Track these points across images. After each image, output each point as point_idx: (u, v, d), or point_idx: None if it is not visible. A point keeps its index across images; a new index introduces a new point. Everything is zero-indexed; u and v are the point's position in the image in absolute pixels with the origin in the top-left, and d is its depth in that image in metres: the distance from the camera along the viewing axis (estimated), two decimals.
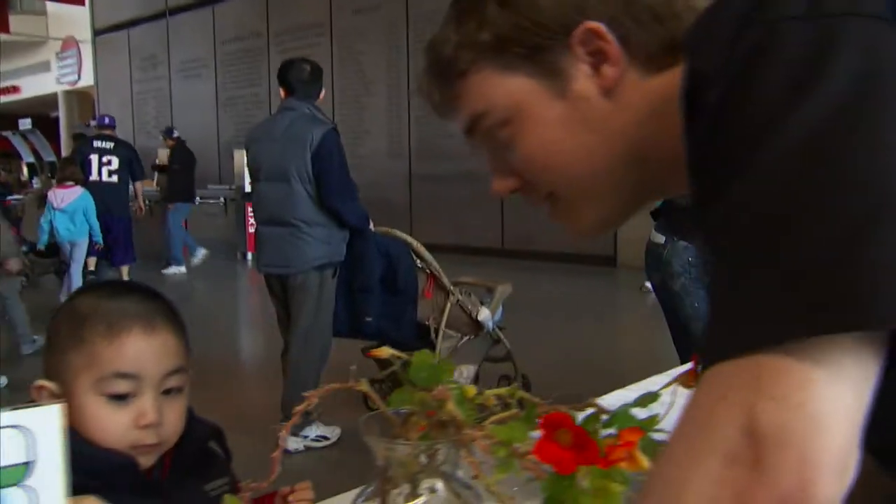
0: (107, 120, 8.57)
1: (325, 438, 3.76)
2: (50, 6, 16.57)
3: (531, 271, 8.45)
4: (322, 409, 3.81)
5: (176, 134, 9.83)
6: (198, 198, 11.84)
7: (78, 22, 16.50)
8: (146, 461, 0.98)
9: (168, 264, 9.47)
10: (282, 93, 3.80)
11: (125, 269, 8.29)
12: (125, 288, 1.08)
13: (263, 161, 3.68)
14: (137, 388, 0.97)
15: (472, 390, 0.77)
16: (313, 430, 3.75)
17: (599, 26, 0.69)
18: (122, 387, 0.96)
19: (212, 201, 11.95)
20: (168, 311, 1.05)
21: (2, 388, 4.91)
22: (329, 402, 0.82)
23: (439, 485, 0.77)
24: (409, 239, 4.01)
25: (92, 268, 7.77)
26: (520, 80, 0.72)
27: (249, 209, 10.85)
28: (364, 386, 0.81)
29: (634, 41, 0.70)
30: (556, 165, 0.74)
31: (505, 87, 0.73)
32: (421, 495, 0.77)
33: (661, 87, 0.69)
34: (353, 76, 11.60)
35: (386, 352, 0.75)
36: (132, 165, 8.21)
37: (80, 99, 18.17)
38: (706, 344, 0.50)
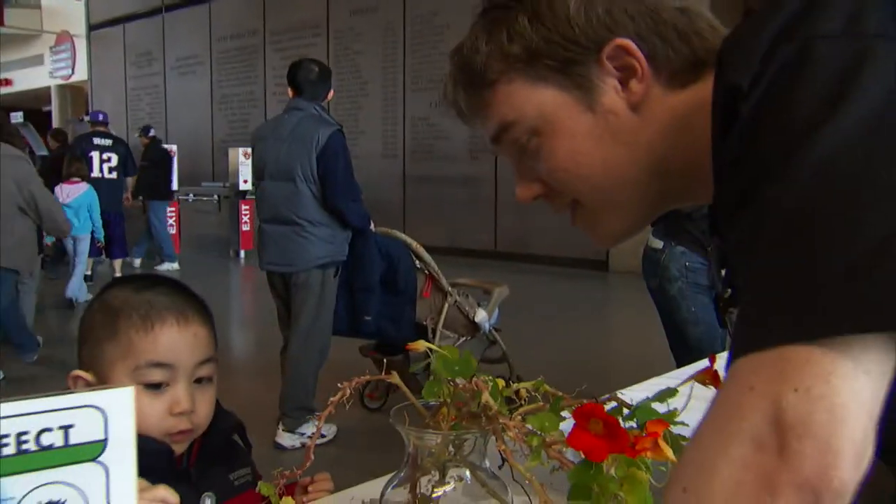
0: (100, 116, 8.67)
1: (322, 436, 3.79)
2: (45, 0, 16.53)
3: (524, 273, 8.50)
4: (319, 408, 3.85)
5: (152, 133, 9.90)
6: (191, 195, 11.86)
7: (73, 16, 16.46)
8: (179, 448, 1.01)
9: (161, 261, 9.48)
10: (290, 92, 3.83)
11: (118, 264, 8.36)
12: (154, 281, 1.11)
13: (269, 160, 3.71)
14: (171, 378, 1.01)
15: (501, 383, 0.81)
16: (310, 428, 3.78)
17: (629, 43, 0.73)
18: (157, 376, 1.00)
19: (205, 198, 11.95)
20: (198, 303, 1.09)
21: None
22: (324, 401, 0.86)
23: (466, 473, 0.81)
24: (409, 240, 4.05)
25: (89, 271, 7.86)
26: (550, 91, 0.75)
27: (243, 207, 10.89)
28: (395, 378, 0.85)
29: (661, 58, 0.74)
30: (584, 175, 0.77)
31: (535, 99, 0.76)
32: (448, 483, 0.81)
33: (684, 103, 0.73)
34: (350, 76, 11.62)
35: (422, 345, 0.79)
36: (127, 162, 8.39)
37: (74, 94, 18.10)
38: (736, 338, 0.54)
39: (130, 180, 8.89)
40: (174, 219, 10.41)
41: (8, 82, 19.38)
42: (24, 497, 0.55)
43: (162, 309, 1.03)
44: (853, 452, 0.47)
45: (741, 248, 0.57)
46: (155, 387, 1.00)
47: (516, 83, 0.77)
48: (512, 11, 0.76)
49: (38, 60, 18.31)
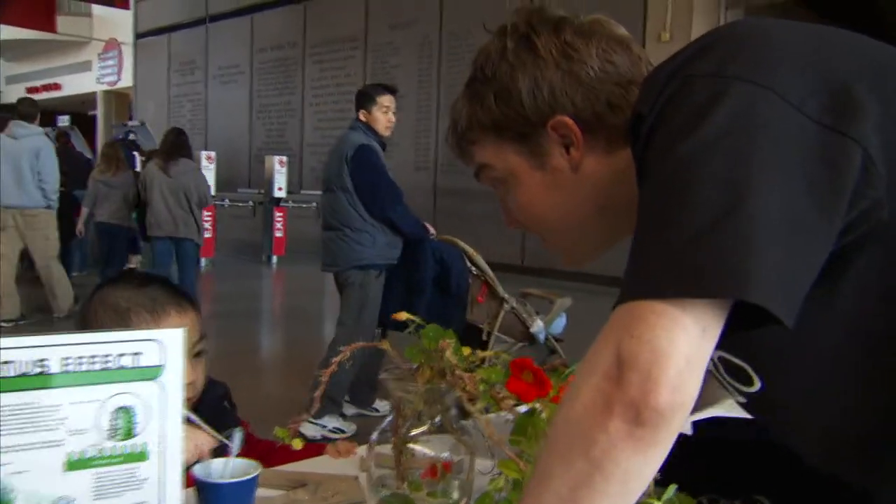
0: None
1: (342, 431, 4.01)
2: (95, 8, 17.09)
3: (551, 289, 8.63)
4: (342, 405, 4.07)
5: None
6: (227, 200, 12.21)
7: (121, 24, 17.00)
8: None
9: None
10: None
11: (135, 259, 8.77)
12: (145, 278, 1.35)
13: (323, 172, 4.19)
14: None
15: (467, 350, 1.02)
16: (332, 421, 4.00)
17: (567, 119, 0.93)
18: None
19: (241, 204, 12.29)
20: (184, 293, 1.35)
21: None
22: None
23: (438, 418, 1.02)
24: (466, 247, 4.33)
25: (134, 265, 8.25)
26: (511, 153, 0.97)
27: (277, 214, 11.21)
28: (386, 345, 1.07)
29: (596, 129, 0.93)
30: (539, 217, 1.00)
31: (500, 157, 0.98)
32: (425, 426, 1.02)
33: (622, 161, 0.92)
34: None
35: (403, 315, 1.00)
36: None
37: (118, 99, 18.67)
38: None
39: None
40: (210, 222, 10.76)
41: (57, 87, 20.05)
42: (107, 399, 0.78)
43: (164, 303, 1.28)
44: (669, 384, 0.65)
45: None
46: None
47: (487, 144, 0.98)
48: (485, 87, 0.97)
49: (86, 66, 18.93)
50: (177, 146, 6.55)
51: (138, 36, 16.81)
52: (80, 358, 0.76)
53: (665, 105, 0.77)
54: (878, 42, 0.82)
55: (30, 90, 20.82)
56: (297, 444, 1.11)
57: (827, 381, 0.82)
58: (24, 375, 0.73)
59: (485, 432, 0.91)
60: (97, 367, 0.77)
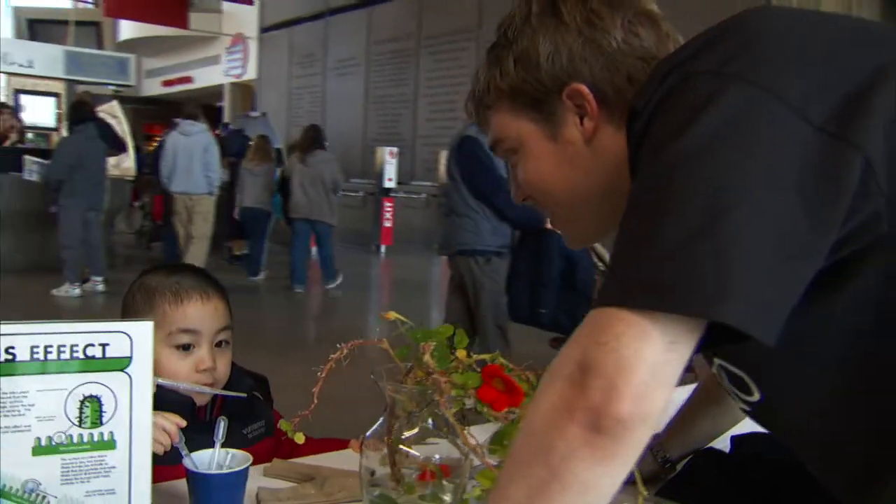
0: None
1: None
2: (224, 4, 17.88)
3: None
4: None
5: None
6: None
7: (247, 19, 17.70)
8: (201, 400, 1.28)
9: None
10: None
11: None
12: (182, 267, 1.42)
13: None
14: (197, 341, 1.29)
15: (462, 353, 1.00)
16: None
17: (583, 87, 0.89)
18: (185, 339, 1.28)
19: (352, 194, 12.57)
20: (216, 284, 1.38)
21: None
22: None
23: (430, 420, 1.00)
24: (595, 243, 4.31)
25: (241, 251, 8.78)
26: (525, 121, 0.94)
27: (386, 204, 11.41)
28: (385, 344, 1.05)
29: (612, 101, 0.90)
30: (548, 191, 0.97)
31: (515, 125, 0.95)
32: (416, 427, 1.01)
33: None
34: None
35: (392, 315, 0.99)
36: None
37: (243, 91, 19.49)
38: None
39: None
40: None
41: (189, 79, 21.13)
42: (74, 388, 0.80)
43: (188, 287, 1.32)
44: (631, 393, 0.62)
45: None
46: (184, 349, 1.27)
47: (503, 111, 0.96)
48: (506, 51, 0.95)
49: (215, 60, 19.84)
50: (313, 139, 7.80)
51: (263, 30, 17.47)
52: (49, 347, 0.78)
53: (661, 102, 0.73)
54: None
55: (165, 83, 22.10)
56: (300, 439, 1.11)
57: (825, 393, 0.77)
58: None
59: (462, 438, 0.88)
60: (65, 356, 0.79)
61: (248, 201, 8.48)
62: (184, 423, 1.03)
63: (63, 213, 7.07)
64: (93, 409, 0.81)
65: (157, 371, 1.24)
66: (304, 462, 1.28)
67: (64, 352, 0.79)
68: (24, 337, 0.77)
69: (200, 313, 1.30)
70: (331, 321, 7.59)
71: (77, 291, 7.21)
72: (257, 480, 1.21)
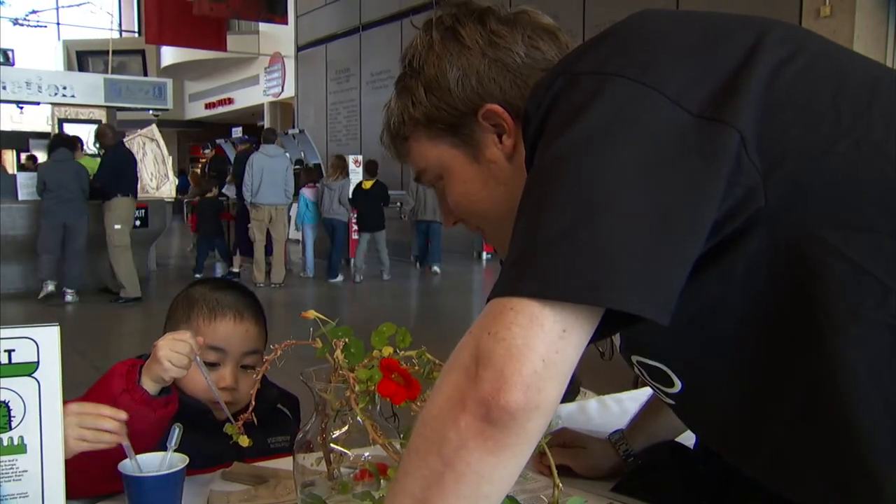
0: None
1: None
2: (261, 25, 18.21)
3: None
4: None
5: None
6: None
7: (284, 39, 18.01)
8: (219, 415, 1.29)
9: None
10: None
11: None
12: (228, 284, 1.45)
13: None
14: (223, 360, 1.32)
15: (388, 349, 0.99)
16: None
17: (496, 107, 0.92)
18: (212, 356, 1.31)
19: (393, 206, 12.64)
20: (255, 306, 1.39)
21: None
22: None
23: (359, 418, 1.00)
24: None
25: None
26: (445, 148, 0.96)
27: None
28: (319, 344, 1.05)
29: None
30: (477, 210, 0.99)
31: (434, 153, 0.97)
32: (347, 424, 1.00)
33: None
34: None
35: (312, 314, 0.99)
36: None
37: (283, 109, 19.79)
38: None
39: None
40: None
41: (230, 101, 21.56)
42: None
43: (224, 306, 1.35)
44: (522, 383, 0.62)
45: None
46: (211, 365, 1.29)
47: (421, 140, 0.98)
48: (414, 80, 0.96)
49: (254, 80, 20.21)
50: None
51: (299, 48, 17.73)
52: None
53: (551, 104, 0.74)
54: (783, 23, 0.78)
55: (208, 106, 22.57)
56: (244, 441, 1.12)
57: (734, 373, 0.77)
58: None
59: (370, 434, 0.88)
60: None
61: (327, 213, 9.82)
62: (125, 416, 1.03)
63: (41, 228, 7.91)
64: (1, 414, 0.83)
65: (183, 383, 1.27)
66: (267, 466, 1.29)
67: None
68: None
69: (230, 333, 1.33)
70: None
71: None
72: (219, 484, 1.23)
